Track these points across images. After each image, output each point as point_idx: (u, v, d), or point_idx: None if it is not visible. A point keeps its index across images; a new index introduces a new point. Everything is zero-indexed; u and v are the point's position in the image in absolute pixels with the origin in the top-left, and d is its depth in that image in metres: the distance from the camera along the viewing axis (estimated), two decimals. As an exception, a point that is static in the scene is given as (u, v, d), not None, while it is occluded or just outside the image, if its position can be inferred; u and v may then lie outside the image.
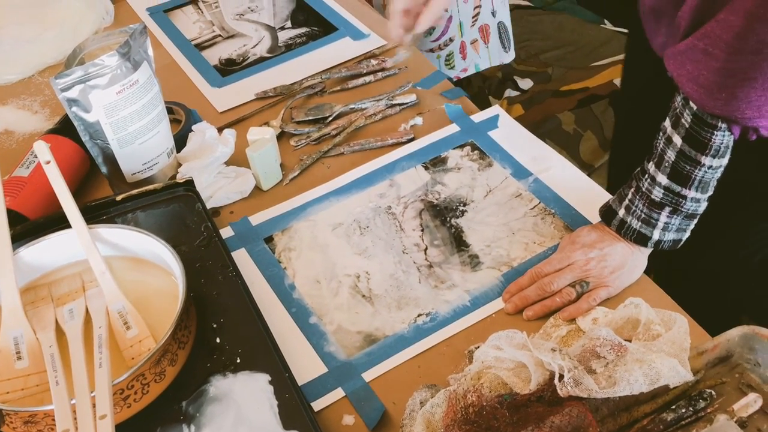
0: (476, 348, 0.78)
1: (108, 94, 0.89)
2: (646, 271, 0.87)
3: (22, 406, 0.70)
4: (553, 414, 0.67)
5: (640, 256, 0.86)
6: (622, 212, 0.85)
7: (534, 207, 0.96)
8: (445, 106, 1.11)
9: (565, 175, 1.00)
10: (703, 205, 0.82)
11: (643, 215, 0.83)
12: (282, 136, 1.09)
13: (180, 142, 1.03)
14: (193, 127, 1.02)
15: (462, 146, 1.05)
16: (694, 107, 0.76)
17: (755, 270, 1.12)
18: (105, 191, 1.02)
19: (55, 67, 1.26)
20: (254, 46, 1.28)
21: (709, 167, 0.78)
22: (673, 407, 0.71)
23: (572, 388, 0.67)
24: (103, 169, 0.96)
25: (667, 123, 0.80)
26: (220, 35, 1.31)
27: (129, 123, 0.93)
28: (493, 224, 0.94)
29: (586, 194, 0.96)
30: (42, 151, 0.82)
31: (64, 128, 1.01)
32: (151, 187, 0.91)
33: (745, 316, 1.39)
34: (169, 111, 1.06)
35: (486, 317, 0.84)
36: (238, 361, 0.75)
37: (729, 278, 1.16)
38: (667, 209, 0.82)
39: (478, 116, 1.10)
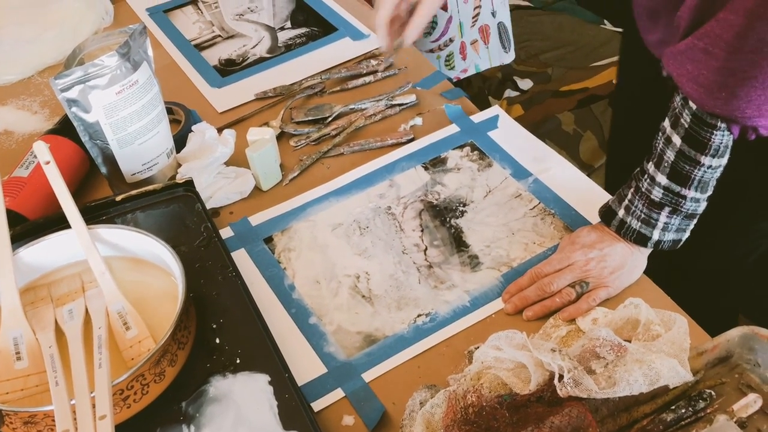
0: (476, 348, 0.78)
1: (108, 94, 0.89)
2: (645, 272, 0.87)
3: (22, 406, 0.70)
4: (553, 414, 0.67)
5: (640, 256, 0.86)
6: (621, 212, 0.85)
7: (534, 207, 0.96)
8: (445, 106, 1.11)
9: (565, 176, 1.00)
10: (703, 205, 0.82)
11: (642, 215, 0.83)
12: (282, 137, 1.09)
13: (180, 142, 1.03)
14: (193, 128, 1.02)
15: (462, 147, 1.05)
16: (694, 107, 0.76)
17: (751, 270, 1.12)
18: (104, 192, 1.02)
19: (55, 67, 1.26)
20: (254, 47, 1.28)
21: (709, 167, 0.78)
22: (673, 407, 0.71)
23: (572, 388, 0.67)
24: (103, 170, 0.96)
25: (667, 123, 0.80)
26: (219, 35, 1.31)
27: (129, 123, 0.93)
28: (492, 224, 0.94)
29: (586, 195, 0.96)
30: (41, 151, 0.81)
31: (64, 128, 1.01)
32: (150, 187, 0.91)
33: (743, 316, 1.39)
34: (169, 111, 1.06)
35: (486, 317, 0.84)
36: (238, 361, 0.75)
37: (726, 278, 1.16)
38: (667, 209, 0.82)
39: (478, 116, 1.10)
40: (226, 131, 1.03)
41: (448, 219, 0.96)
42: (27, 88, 1.23)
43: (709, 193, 0.81)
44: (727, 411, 0.71)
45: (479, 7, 1.67)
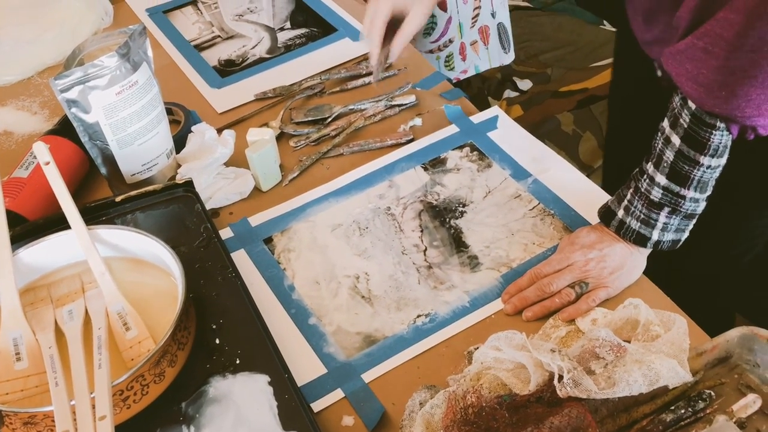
0: (475, 349, 0.78)
1: (107, 95, 0.89)
2: (644, 272, 0.87)
3: (22, 407, 0.70)
4: (553, 415, 0.67)
5: (639, 256, 0.86)
6: (621, 213, 0.85)
7: (533, 208, 0.96)
8: (445, 107, 1.11)
9: (565, 176, 1.00)
10: (702, 205, 0.82)
11: (642, 216, 0.83)
12: (281, 137, 1.09)
13: (179, 143, 1.03)
14: (193, 128, 1.03)
15: (461, 147, 1.05)
16: (693, 107, 0.76)
17: (746, 270, 1.12)
18: (104, 192, 1.02)
19: (55, 68, 1.26)
20: (253, 47, 1.28)
21: (708, 167, 0.78)
22: (673, 408, 0.71)
23: (571, 388, 0.67)
24: (103, 170, 0.97)
25: (666, 123, 0.80)
26: (219, 36, 1.31)
27: (128, 124, 0.93)
28: (492, 225, 0.94)
29: (586, 195, 0.96)
30: (41, 152, 0.82)
31: (64, 129, 1.01)
32: (150, 188, 0.91)
33: (743, 317, 1.39)
34: (169, 112, 1.06)
35: (485, 318, 0.84)
36: (238, 362, 0.75)
37: (720, 279, 1.16)
38: (666, 209, 0.82)
39: (478, 117, 1.10)
40: (225, 132, 1.03)
41: (447, 219, 0.96)
42: (27, 89, 1.23)
43: (708, 193, 0.81)
44: (726, 411, 0.71)
45: (479, 7, 1.67)
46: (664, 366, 0.68)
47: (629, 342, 0.74)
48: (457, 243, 0.93)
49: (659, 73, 0.99)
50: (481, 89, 2.34)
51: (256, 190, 1.01)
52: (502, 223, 0.94)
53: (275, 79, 1.20)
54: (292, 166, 1.05)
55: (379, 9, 0.99)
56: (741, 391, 0.73)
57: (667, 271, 0.88)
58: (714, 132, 0.76)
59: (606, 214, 0.87)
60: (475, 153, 1.04)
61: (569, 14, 2.75)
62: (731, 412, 0.71)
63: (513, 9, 2.56)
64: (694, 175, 0.79)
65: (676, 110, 0.78)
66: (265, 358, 0.75)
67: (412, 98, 1.13)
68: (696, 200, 0.81)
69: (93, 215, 0.89)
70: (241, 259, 0.91)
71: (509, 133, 1.07)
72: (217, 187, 0.99)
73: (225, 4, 1.38)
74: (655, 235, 0.83)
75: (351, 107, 1.13)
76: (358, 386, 0.78)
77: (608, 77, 2.41)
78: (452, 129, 1.08)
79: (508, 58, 1.80)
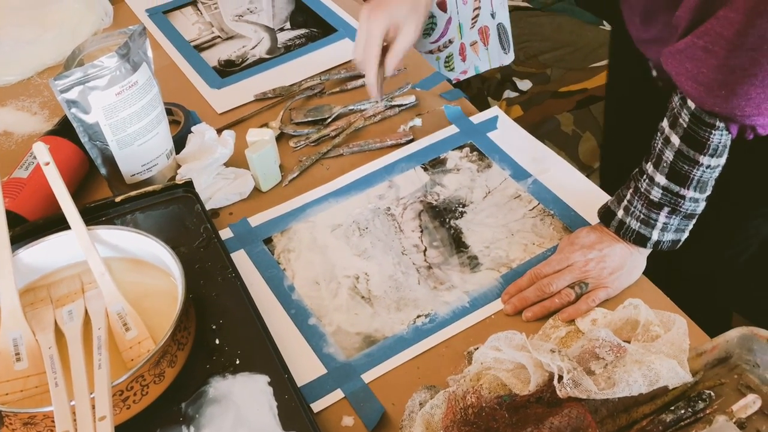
0: (475, 349, 0.78)
1: (107, 95, 0.89)
2: (644, 273, 0.87)
3: (22, 407, 0.70)
4: (553, 415, 0.67)
5: (639, 257, 0.86)
6: (620, 213, 0.85)
7: (533, 208, 0.96)
8: (444, 107, 1.11)
9: (564, 177, 1.00)
10: (702, 205, 0.82)
11: (642, 216, 0.83)
12: (281, 138, 1.09)
13: (179, 143, 1.03)
14: (193, 129, 1.03)
15: (461, 147, 1.05)
16: (692, 107, 0.76)
17: (742, 270, 1.12)
18: (104, 192, 1.02)
19: (55, 68, 1.26)
20: (253, 48, 1.28)
21: (708, 167, 0.78)
22: (672, 408, 0.71)
23: (571, 389, 0.67)
24: (103, 171, 0.97)
25: (665, 123, 0.80)
26: (219, 36, 1.31)
27: (128, 124, 0.93)
28: (492, 225, 0.94)
29: (585, 195, 0.96)
30: (41, 152, 0.82)
31: (64, 129, 1.01)
32: (150, 188, 0.91)
33: (742, 317, 1.39)
34: (168, 112, 1.06)
35: (485, 318, 0.84)
36: (238, 362, 0.75)
37: (715, 279, 1.16)
38: (666, 209, 0.82)
39: (477, 117, 1.10)
40: (225, 132, 1.03)
41: (447, 220, 0.96)
42: (26, 89, 1.23)
43: (708, 193, 0.81)
44: (726, 412, 0.71)
45: (478, 8, 1.67)
46: (664, 366, 0.68)
47: (629, 342, 0.74)
48: (457, 243, 0.93)
49: (654, 73, 0.99)
50: (480, 90, 2.34)
51: (256, 190, 1.02)
52: (501, 224, 0.94)
53: (275, 79, 1.20)
54: (291, 166, 1.05)
55: (371, 34, 0.95)
56: (741, 392, 0.73)
57: (665, 272, 0.88)
58: (713, 132, 0.76)
59: (606, 215, 0.87)
60: (474, 153, 1.04)
61: (569, 15, 2.76)
62: (731, 413, 0.71)
63: (512, 9, 2.56)
64: (694, 175, 0.79)
65: (675, 110, 0.78)
66: (265, 358, 0.75)
67: (411, 99, 1.13)
68: (696, 200, 0.81)
69: (93, 216, 0.89)
70: (240, 259, 0.91)
71: (509, 134, 1.07)
72: (216, 188, 0.99)
73: (225, 5, 1.38)
74: (655, 235, 0.83)
75: (351, 108, 1.13)
76: (358, 386, 0.78)
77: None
78: (452, 129, 1.08)
79: (508, 58, 1.81)
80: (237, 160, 1.02)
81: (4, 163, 1.06)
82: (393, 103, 1.13)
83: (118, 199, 0.90)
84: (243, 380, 0.74)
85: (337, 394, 0.78)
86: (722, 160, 0.79)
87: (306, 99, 1.16)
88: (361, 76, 1.18)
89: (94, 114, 0.90)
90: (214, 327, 0.79)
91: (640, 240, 0.84)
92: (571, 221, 0.93)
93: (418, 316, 0.85)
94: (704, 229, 0.84)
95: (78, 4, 1.31)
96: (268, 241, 0.94)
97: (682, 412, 0.71)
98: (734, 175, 0.80)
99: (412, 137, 1.07)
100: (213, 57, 1.26)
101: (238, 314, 0.80)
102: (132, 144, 0.94)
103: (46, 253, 0.82)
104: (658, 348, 0.71)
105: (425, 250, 0.92)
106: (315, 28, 1.31)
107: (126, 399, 0.69)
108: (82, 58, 0.97)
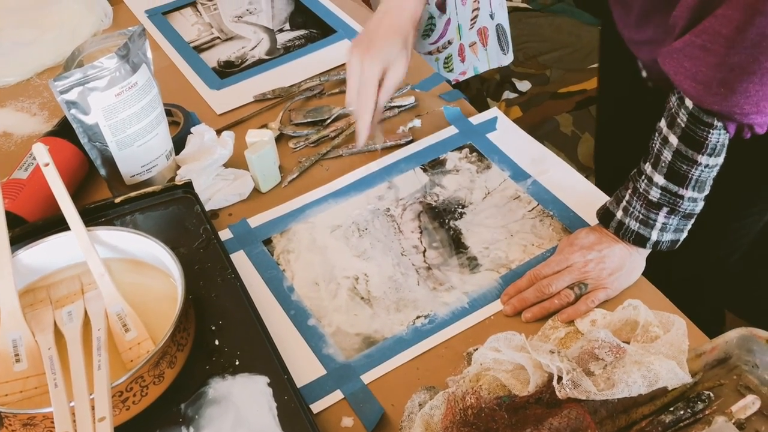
0: (475, 350, 0.78)
1: (107, 96, 0.89)
2: (643, 274, 0.87)
3: (21, 408, 0.70)
4: (552, 416, 0.67)
5: (638, 257, 0.86)
6: (619, 214, 0.85)
7: (532, 209, 0.96)
8: (444, 108, 1.11)
9: (564, 177, 1.00)
10: (700, 205, 0.82)
11: (641, 216, 0.83)
12: (280, 139, 1.09)
13: (179, 144, 1.03)
14: (192, 130, 1.03)
15: (460, 148, 1.05)
16: (690, 106, 0.76)
17: (735, 270, 1.12)
18: (104, 193, 1.02)
19: (54, 69, 1.26)
20: (253, 48, 1.28)
21: (706, 166, 0.78)
22: (672, 409, 0.71)
23: (571, 390, 0.67)
24: (102, 172, 0.97)
25: (663, 123, 0.80)
26: (218, 37, 1.31)
27: (128, 125, 0.93)
28: (491, 226, 0.94)
29: (584, 196, 0.96)
30: (41, 153, 0.82)
31: (63, 130, 1.01)
32: (149, 189, 0.91)
33: (741, 318, 1.39)
34: (168, 113, 1.06)
35: (484, 319, 0.84)
36: (237, 363, 0.75)
37: (707, 281, 1.16)
38: (665, 209, 0.82)
39: (477, 118, 1.10)
40: (224, 133, 1.03)
41: (446, 221, 0.96)
42: (26, 90, 1.23)
43: (706, 192, 0.81)
44: (725, 412, 0.71)
45: (477, 9, 1.67)
46: (663, 367, 0.68)
47: (628, 343, 0.74)
48: (457, 244, 0.93)
49: (644, 74, 0.99)
50: (480, 90, 2.35)
51: (256, 191, 1.02)
52: (501, 225, 0.94)
53: (274, 80, 1.20)
54: (291, 167, 1.05)
55: (367, 78, 0.92)
56: (740, 392, 0.73)
57: (656, 273, 0.88)
58: (712, 131, 0.76)
59: (604, 216, 0.87)
60: (474, 154, 1.04)
61: (568, 15, 2.76)
62: (730, 413, 0.71)
63: (512, 10, 2.56)
64: (692, 175, 0.79)
65: (673, 110, 0.79)
66: (265, 359, 0.75)
67: (411, 99, 1.13)
68: (694, 200, 0.81)
69: (92, 216, 0.89)
70: (240, 260, 0.91)
71: (508, 135, 1.07)
72: (216, 189, 0.99)
73: (224, 6, 1.38)
74: (654, 236, 0.83)
75: (350, 108, 1.12)
76: (358, 387, 0.78)
77: (607, 79, 2.42)
78: (451, 130, 1.08)
79: (507, 59, 1.81)
80: (236, 161, 1.02)
81: (3, 164, 1.06)
82: (392, 104, 1.13)
83: (117, 200, 0.90)
84: (242, 381, 0.74)
85: (337, 395, 0.78)
86: (720, 160, 0.79)
87: (305, 100, 1.16)
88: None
89: (94, 115, 0.90)
90: (213, 328, 0.79)
91: (639, 240, 0.84)
92: (571, 222, 0.94)
93: (418, 317, 0.85)
94: (695, 231, 0.84)
95: (77, 5, 1.31)
96: (268, 242, 0.94)
97: (682, 412, 0.71)
98: (723, 175, 0.80)
99: (411, 138, 1.07)
100: (212, 58, 1.26)
101: (238, 315, 0.80)
102: (131, 145, 0.94)
103: (46, 254, 0.82)
104: (657, 349, 0.71)
105: (425, 251, 0.92)
106: (314, 29, 1.31)
107: (125, 400, 0.69)
108: (82, 59, 0.97)
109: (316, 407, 0.77)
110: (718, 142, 0.77)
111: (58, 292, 0.81)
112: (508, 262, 0.90)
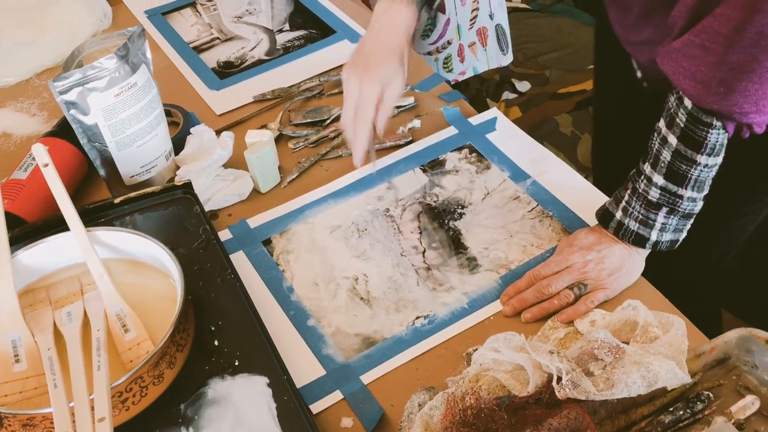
0: (474, 350, 0.78)
1: (106, 96, 0.89)
2: (642, 274, 0.87)
3: (21, 409, 0.70)
4: (551, 416, 0.67)
5: (638, 258, 0.86)
6: (619, 214, 0.85)
7: (532, 209, 0.96)
8: (443, 108, 1.11)
9: (563, 178, 1.00)
10: (699, 205, 0.82)
11: (640, 216, 0.83)
12: (280, 139, 1.09)
13: (178, 144, 1.03)
14: (192, 130, 1.03)
15: (460, 149, 1.05)
16: (689, 106, 0.76)
17: (730, 270, 1.12)
18: (103, 194, 1.02)
19: (54, 69, 1.26)
20: (252, 49, 1.28)
21: (705, 166, 0.78)
22: (671, 409, 0.71)
23: (570, 390, 0.67)
24: (102, 172, 0.97)
25: (662, 123, 0.80)
26: (218, 38, 1.31)
27: (127, 125, 0.93)
28: (491, 227, 0.94)
29: (584, 197, 0.96)
30: (40, 153, 0.82)
31: (63, 131, 1.01)
32: (149, 189, 0.91)
33: (728, 315, 1.39)
34: (167, 114, 1.06)
35: (484, 320, 0.84)
36: (237, 363, 0.75)
37: (703, 280, 1.16)
38: (664, 209, 0.82)
39: (476, 119, 1.10)
40: (224, 133, 1.03)
41: (446, 221, 0.96)
42: (25, 91, 1.23)
43: (705, 192, 0.81)
44: (725, 413, 0.71)
45: (477, 9, 1.67)
46: (663, 367, 0.68)
47: (628, 343, 0.74)
48: (456, 244, 0.93)
49: (639, 74, 0.99)
50: (479, 91, 2.35)
51: (255, 191, 1.02)
52: (500, 225, 0.94)
53: (274, 80, 1.20)
54: (290, 167, 1.05)
55: (366, 99, 0.91)
56: (739, 393, 0.73)
57: (653, 273, 0.88)
58: (710, 131, 0.76)
59: (604, 216, 0.87)
60: (473, 155, 1.04)
61: (567, 16, 2.76)
62: (730, 414, 0.71)
63: (511, 11, 2.56)
64: (692, 175, 0.79)
65: (672, 110, 0.79)
66: (264, 359, 0.75)
67: (410, 100, 1.13)
68: (693, 199, 0.81)
69: (92, 217, 0.89)
70: (239, 260, 0.91)
71: (508, 135, 1.07)
72: (215, 189, 0.99)
73: (224, 6, 1.38)
74: (654, 236, 0.83)
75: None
76: (357, 388, 0.78)
77: (606, 79, 2.42)
78: (451, 131, 1.08)
79: (507, 59, 1.81)
80: (236, 162, 1.02)
81: (3, 164, 1.06)
82: (392, 104, 1.13)
83: (117, 201, 0.90)
84: (242, 381, 0.74)
85: (336, 396, 0.78)
86: (719, 159, 0.79)
87: (305, 100, 1.16)
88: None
89: (93, 115, 0.90)
90: (213, 328, 0.79)
91: (638, 240, 0.84)
92: (570, 222, 0.94)
93: (417, 318, 0.85)
94: (692, 230, 0.84)
95: (77, 6, 1.31)
96: (267, 242, 0.94)
97: (681, 413, 0.71)
98: (721, 174, 0.80)
99: (411, 138, 1.07)
100: (212, 58, 1.26)
101: (237, 315, 0.80)
102: (131, 145, 0.94)
103: (45, 254, 0.82)
104: (656, 349, 0.71)
105: (424, 251, 0.92)
106: (314, 29, 1.31)
107: (125, 400, 0.69)
108: (81, 59, 0.97)
109: (316, 408, 0.77)
110: (717, 141, 0.77)
111: (58, 293, 0.81)
112: (508, 262, 0.90)
